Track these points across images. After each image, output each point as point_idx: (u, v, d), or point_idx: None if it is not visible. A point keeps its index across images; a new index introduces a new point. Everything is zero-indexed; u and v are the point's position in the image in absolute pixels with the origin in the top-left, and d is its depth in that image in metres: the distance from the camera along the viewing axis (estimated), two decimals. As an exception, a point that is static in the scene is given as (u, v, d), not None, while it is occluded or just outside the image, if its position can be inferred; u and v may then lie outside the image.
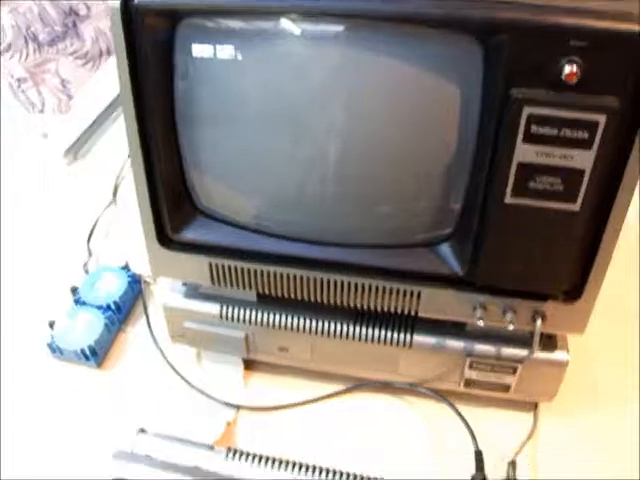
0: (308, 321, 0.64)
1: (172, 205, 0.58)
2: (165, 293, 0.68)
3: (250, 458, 0.59)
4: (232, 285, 0.62)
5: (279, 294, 0.62)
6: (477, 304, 0.57)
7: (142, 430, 0.62)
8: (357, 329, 0.64)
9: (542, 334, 0.58)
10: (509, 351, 0.61)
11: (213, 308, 0.66)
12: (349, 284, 0.59)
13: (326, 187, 0.55)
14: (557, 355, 0.61)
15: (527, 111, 0.45)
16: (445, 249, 0.56)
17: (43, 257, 0.86)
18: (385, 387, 0.68)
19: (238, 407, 0.68)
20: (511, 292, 0.56)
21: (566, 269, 0.53)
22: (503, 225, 0.51)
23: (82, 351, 0.71)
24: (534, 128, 0.46)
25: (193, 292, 0.67)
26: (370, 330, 0.64)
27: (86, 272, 0.81)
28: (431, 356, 0.64)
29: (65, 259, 0.85)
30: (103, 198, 0.94)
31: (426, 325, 0.62)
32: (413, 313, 0.60)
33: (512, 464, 0.62)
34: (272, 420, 0.68)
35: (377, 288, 0.59)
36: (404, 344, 0.63)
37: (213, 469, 0.58)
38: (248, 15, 0.48)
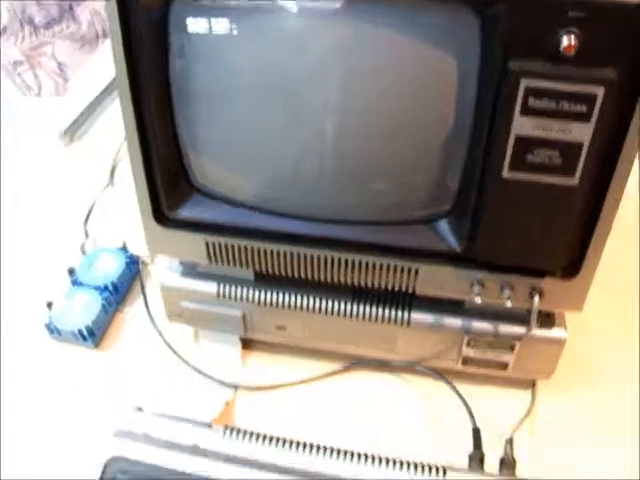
0: (305, 299, 0.64)
1: (168, 183, 0.58)
2: (162, 272, 0.68)
3: (248, 436, 0.59)
4: (229, 263, 0.62)
5: (276, 272, 0.61)
6: (475, 281, 0.57)
7: (139, 409, 0.62)
8: (355, 307, 0.64)
9: (540, 311, 0.58)
10: (507, 328, 0.61)
11: (210, 287, 0.66)
12: (346, 261, 0.59)
13: (324, 163, 0.54)
14: (555, 332, 0.61)
15: (524, 83, 0.45)
16: (443, 226, 0.56)
17: (40, 238, 0.86)
18: (383, 365, 0.68)
19: (236, 386, 0.68)
20: (509, 268, 0.56)
21: (564, 244, 0.53)
22: (501, 200, 0.51)
23: (80, 331, 0.71)
24: (532, 101, 0.45)
25: (190, 271, 0.67)
26: (368, 308, 0.63)
27: (83, 253, 0.81)
28: (429, 334, 0.63)
29: (62, 240, 0.85)
30: (100, 179, 0.94)
31: (424, 303, 0.62)
32: (411, 290, 0.60)
33: (510, 441, 0.62)
34: (270, 399, 0.68)
35: (375, 265, 0.58)
36: (402, 322, 0.63)
37: (211, 447, 0.59)
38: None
